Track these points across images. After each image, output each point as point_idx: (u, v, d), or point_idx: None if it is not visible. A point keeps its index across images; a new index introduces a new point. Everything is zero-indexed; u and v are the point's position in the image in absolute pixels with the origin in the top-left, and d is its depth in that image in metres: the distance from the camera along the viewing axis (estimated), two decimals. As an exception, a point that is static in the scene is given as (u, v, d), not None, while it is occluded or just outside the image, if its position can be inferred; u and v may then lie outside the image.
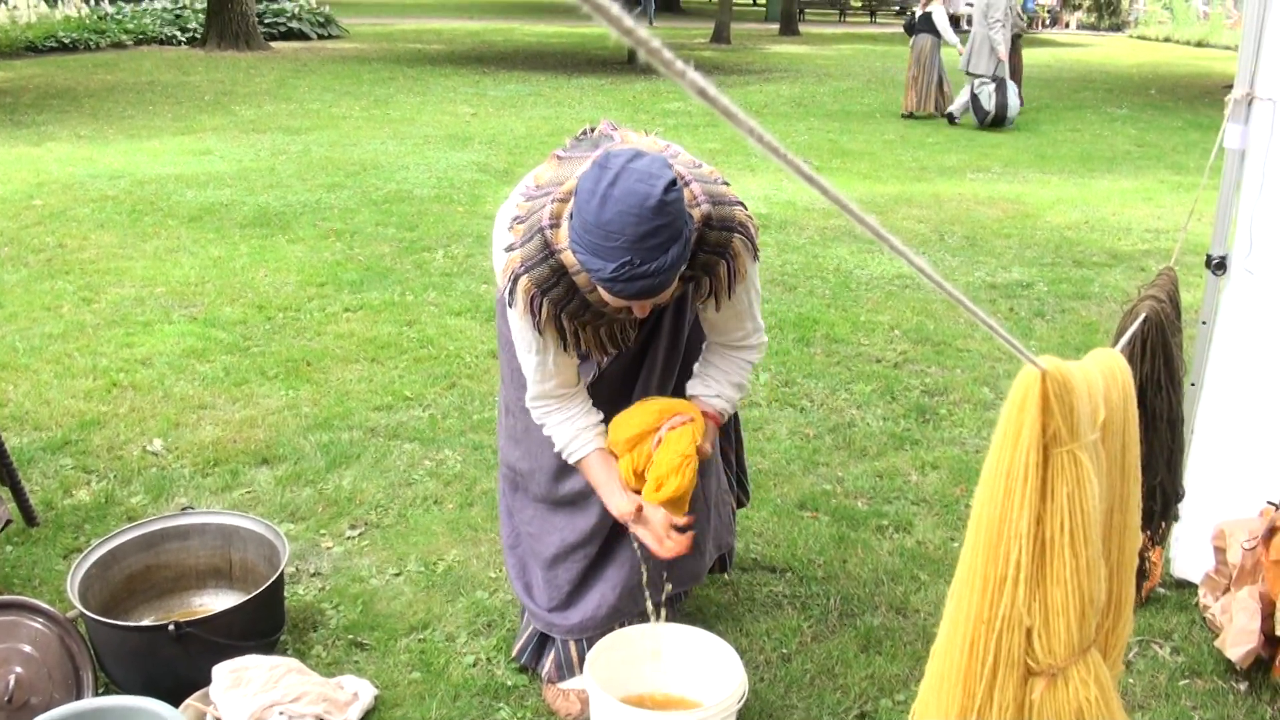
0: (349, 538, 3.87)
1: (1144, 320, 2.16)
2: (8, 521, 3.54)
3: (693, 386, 2.85)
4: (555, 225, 2.40)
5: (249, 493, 4.19)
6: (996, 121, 13.66)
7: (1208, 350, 3.37)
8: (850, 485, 4.27)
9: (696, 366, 2.88)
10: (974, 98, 13.71)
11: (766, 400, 5.07)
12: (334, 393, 5.08)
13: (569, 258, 2.38)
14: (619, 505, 2.69)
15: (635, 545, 2.91)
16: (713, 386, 2.81)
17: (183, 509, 3.47)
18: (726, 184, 2.55)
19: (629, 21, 0.70)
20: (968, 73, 13.89)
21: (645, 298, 2.29)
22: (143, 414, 4.85)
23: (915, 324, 6.12)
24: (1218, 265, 3.34)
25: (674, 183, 2.22)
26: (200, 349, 5.59)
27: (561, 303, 2.47)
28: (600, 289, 2.31)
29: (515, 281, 2.46)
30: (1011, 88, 13.71)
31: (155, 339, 5.73)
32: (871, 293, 6.71)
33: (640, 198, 2.17)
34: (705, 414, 2.77)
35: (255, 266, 7.02)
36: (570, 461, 2.76)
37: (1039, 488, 1.43)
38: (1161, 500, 2.57)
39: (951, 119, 14.15)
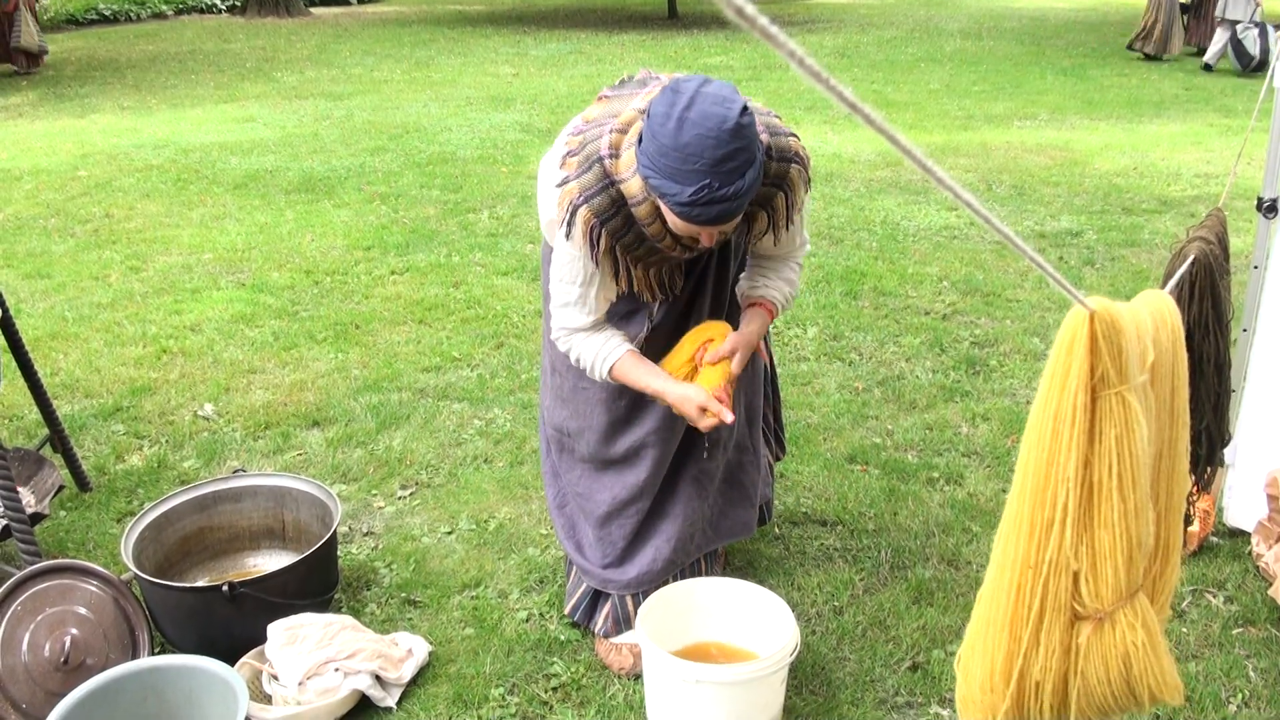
0: (400, 497, 3.91)
1: (1192, 262, 2.12)
2: (60, 487, 3.60)
3: (741, 285, 2.85)
4: (615, 155, 2.39)
5: (300, 455, 4.23)
6: (1259, 66, 13.48)
7: (1260, 295, 3.31)
8: (900, 438, 4.25)
9: (744, 273, 2.88)
10: (1236, 43, 13.55)
11: (815, 354, 5.05)
12: (383, 355, 5.12)
13: (630, 187, 2.38)
14: (670, 389, 2.63)
15: (686, 500, 2.93)
16: (760, 281, 2.80)
17: (235, 471, 3.51)
18: (778, 117, 2.54)
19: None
20: (1224, 19, 13.71)
21: (720, 223, 2.28)
22: (193, 379, 4.91)
23: (964, 275, 6.06)
24: (1269, 208, 3.27)
25: (746, 107, 2.23)
26: (249, 314, 5.64)
27: (619, 234, 2.47)
28: (674, 214, 2.29)
29: (574, 212, 2.45)
30: (1271, 32, 13.51)
31: (204, 305, 5.78)
32: (919, 244, 6.65)
33: (718, 120, 2.17)
34: (758, 304, 2.76)
35: (301, 232, 7.06)
36: (601, 374, 2.70)
37: (1087, 430, 1.42)
38: (1207, 445, 2.54)
39: (1208, 68, 14.01)
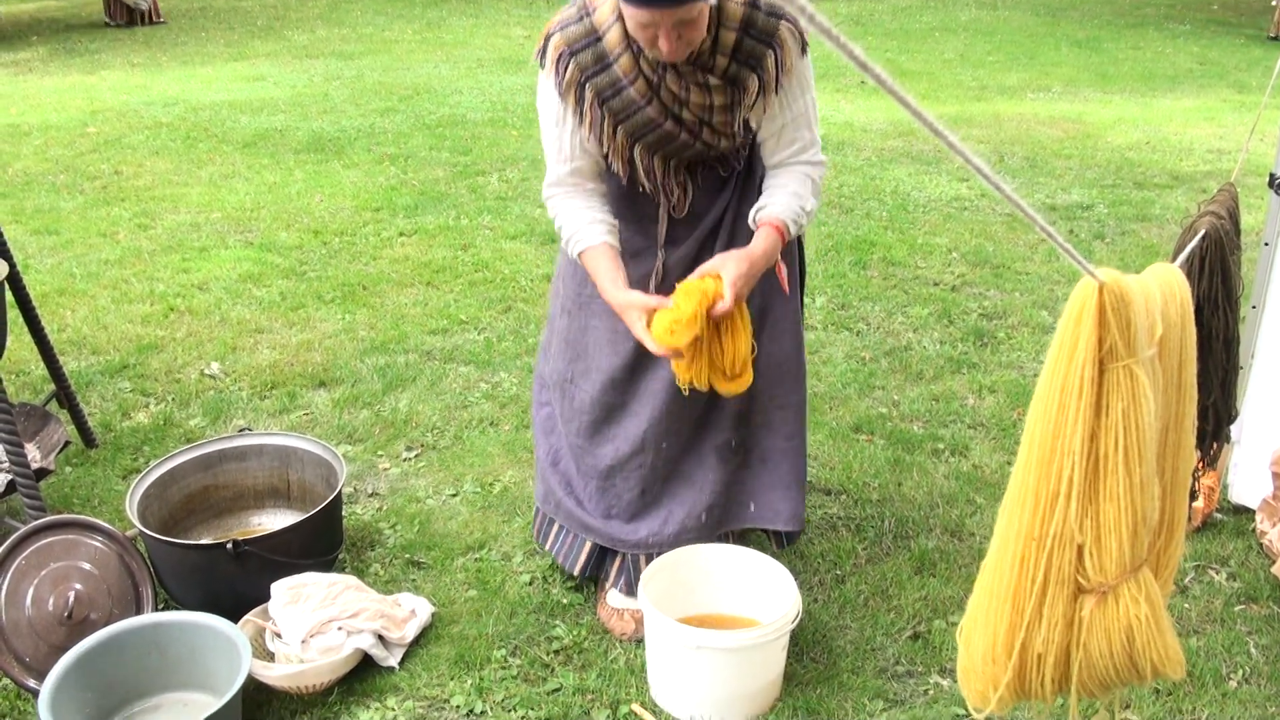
0: (405, 459, 3.91)
1: (1203, 237, 2.11)
2: (66, 443, 3.61)
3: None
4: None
5: (306, 415, 4.23)
6: None
7: (1270, 272, 3.29)
8: (906, 409, 4.25)
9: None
10: None
11: (823, 324, 5.04)
12: (390, 316, 5.11)
13: (601, 17, 2.44)
14: (616, 298, 2.55)
15: (708, 469, 2.90)
16: (764, 201, 2.65)
17: (240, 430, 3.52)
18: None
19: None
20: None
21: (662, 4, 2.23)
22: (200, 338, 4.91)
23: (974, 246, 6.03)
24: (1283, 183, 3.25)
25: None
26: (257, 274, 5.63)
27: (589, 71, 2.49)
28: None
29: (548, 39, 2.50)
30: None
31: (211, 264, 5.78)
32: (929, 215, 6.62)
33: None
34: (766, 224, 2.59)
35: (310, 192, 7.05)
36: (573, 251, 2.65)
37: (1094, 403, 1.41)
38: (1214, 421, 2.53)
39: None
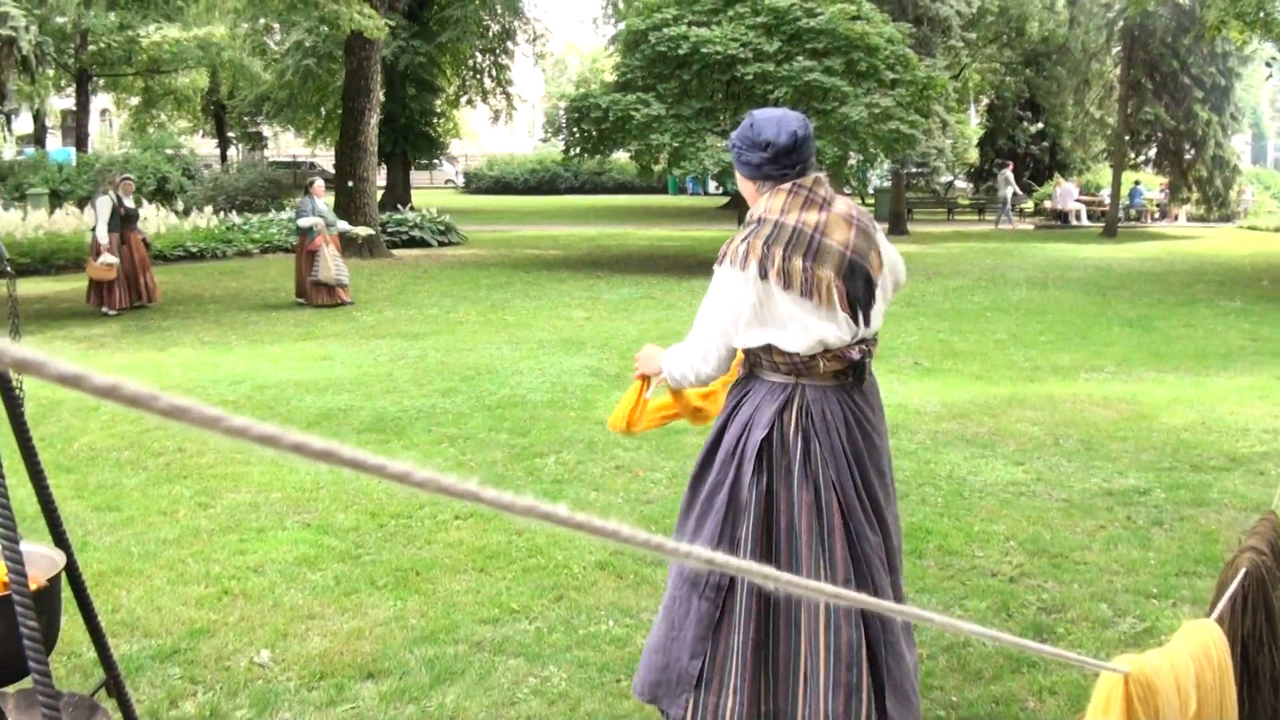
0: (450, 759, 3.83)
1: (1244, 575, 2.08)
2: (114, 736, 3.57)
3: None
4: None
5: (353, 708, 4.18)
6: None
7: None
8: (965, 711, 4.13)
9: None
10: None
11: (876, 615, 4.95)
12: (441, 604, 5.10)
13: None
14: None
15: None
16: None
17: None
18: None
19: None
20: None
21: None
22: (252, 623, 4.91)
23: (1031, 534, 5.98)
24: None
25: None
26: (312, 556, 5.68)
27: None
28: None
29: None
30: None
31: (268, 545, 5.83)
32: (986, 500, 6.59)
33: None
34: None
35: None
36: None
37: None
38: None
39: None
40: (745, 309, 3.26)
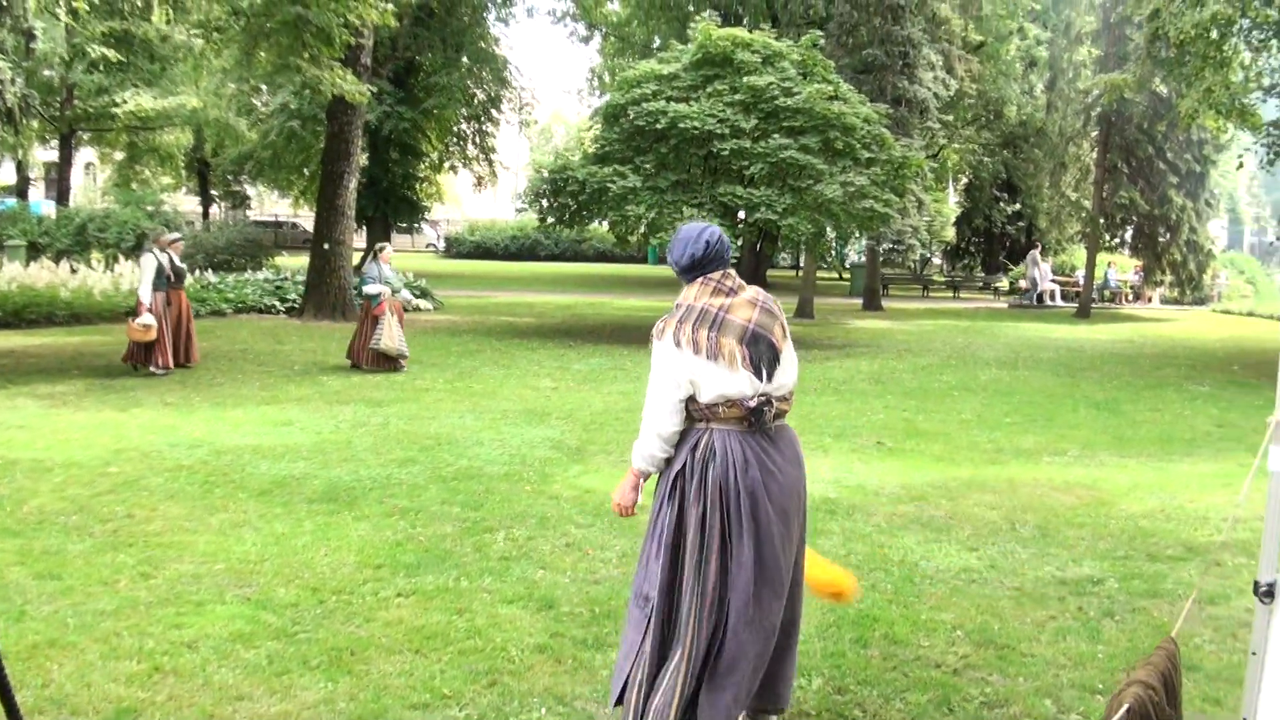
0: None
1: (1127, 710, 2.04)
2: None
3: None
4: None
5: (271, 797, 4.08)
6: None
7: (1259, 684, 3.18)
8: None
9: None
10: None
11: (816, 709, 4.87)
12: (373, 687, 5.00)
13: None
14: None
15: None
16: None
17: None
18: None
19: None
20: None
21: None
22: (180, 703, 4.81)
23: (979, 624, 5.91)
24: (1266, 592, 3.19)
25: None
26: (248, 633, 5.57)
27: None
28: None
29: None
30: None
31: (205, 620, 5.73)
32: (936, 587, 6.53)
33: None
34: None
35: (317, 545, 7.06)
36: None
37: None
38: None
39: None
40: (677, 370, 4.24)
